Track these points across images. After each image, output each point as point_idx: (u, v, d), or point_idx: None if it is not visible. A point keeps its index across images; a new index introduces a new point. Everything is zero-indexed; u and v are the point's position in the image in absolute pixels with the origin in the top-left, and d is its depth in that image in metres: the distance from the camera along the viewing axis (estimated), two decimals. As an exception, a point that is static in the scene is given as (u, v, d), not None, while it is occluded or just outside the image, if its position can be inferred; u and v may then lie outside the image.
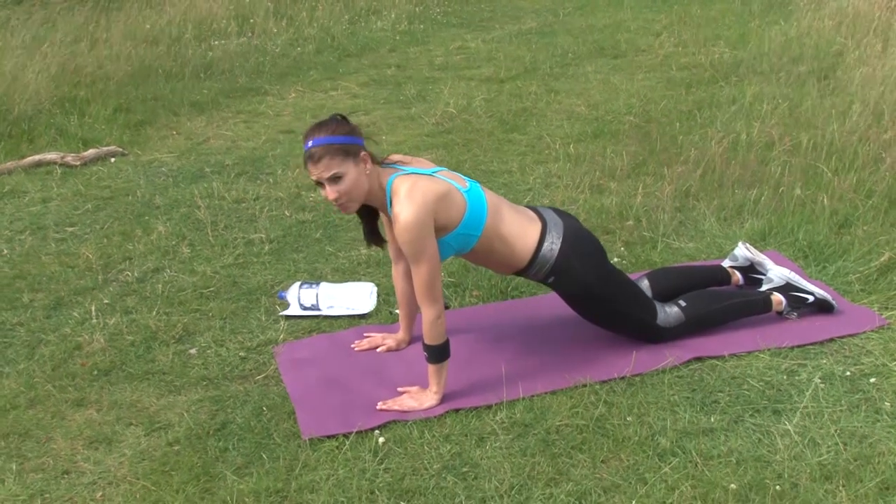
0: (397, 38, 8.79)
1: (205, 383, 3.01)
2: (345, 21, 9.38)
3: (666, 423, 2.64)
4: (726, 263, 3.42)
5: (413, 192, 2.67)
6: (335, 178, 2.67)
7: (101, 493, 2.49)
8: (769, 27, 7.93)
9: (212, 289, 3.66)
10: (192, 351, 3.21)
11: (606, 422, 2.67)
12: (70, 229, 4.37)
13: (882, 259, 3.46)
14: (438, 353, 2.78)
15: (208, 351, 3.21)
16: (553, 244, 2.88)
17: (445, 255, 2.82)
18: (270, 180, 4.88)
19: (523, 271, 2.95)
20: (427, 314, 2.73)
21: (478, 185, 2.89)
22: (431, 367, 2.80)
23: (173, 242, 4.12)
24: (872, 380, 2.83)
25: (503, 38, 8.48)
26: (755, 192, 4.15)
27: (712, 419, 2.66)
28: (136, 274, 3.82)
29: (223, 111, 6.33)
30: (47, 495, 2.50)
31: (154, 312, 3.47)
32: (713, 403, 2.74)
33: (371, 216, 2.95)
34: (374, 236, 2.98)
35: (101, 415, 2.85)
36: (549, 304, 3.32)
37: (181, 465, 2.58)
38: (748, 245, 3.40)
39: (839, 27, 7.36)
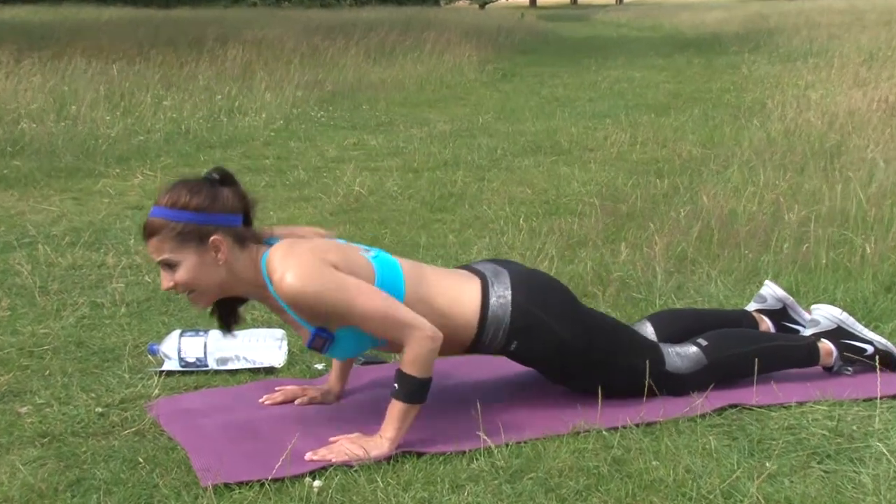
0: (271, 133, 8.89)
1: (45, 440, 2.78)
2: (199, 117, 9.46)
3: (708, 467, 2.55)
4: (751, 307, 3.41)
5: (289, 253, 2.62)
6: (168, 265, 2.60)
7: None
8: (742, 130, 8.36)
9: (46, 348, 3.45)
10: (23, 410, 2.97)
11: (625, 465, 2.56)
12: None
13: (950, 316, 3.53)
14: (415, 390, 2.62)
15: (47, 409, 2.97)
16: (501, 297, 2.83)
17: (361, 348, 2.79)
18: (121, 248, 4.72)
19: (476, 342, 2.86)
20: (410, 347, 2.61)
21: (384, 252, 2.87)
22: (396, 407, 2.63)
23: (-19, 306, 3.90)
24: (968, 429, 2.81)
25: (410, 139, 8.66)
26: (769, 257, 4.23)
27: (768, 465, 2.57)
28: (-78, 336, 3.57)
29: (43, 188, 6.19)
30: None
31: (-43, 372, 3.22)
32: (765, 451, 2.66)
33: (230, 306, 2.84)
34: (227, 324, 2.86)
35: None
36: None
37: (20, 521, 2.32)
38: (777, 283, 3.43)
39: (831, 125, 7.84)
